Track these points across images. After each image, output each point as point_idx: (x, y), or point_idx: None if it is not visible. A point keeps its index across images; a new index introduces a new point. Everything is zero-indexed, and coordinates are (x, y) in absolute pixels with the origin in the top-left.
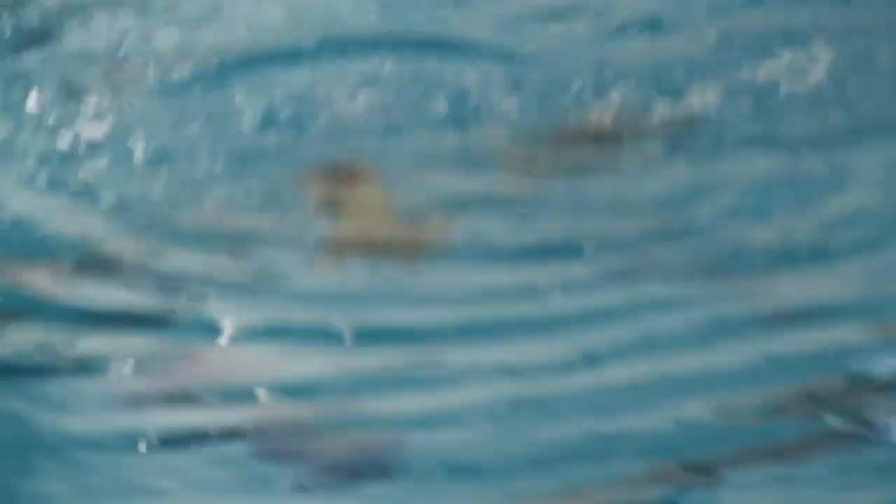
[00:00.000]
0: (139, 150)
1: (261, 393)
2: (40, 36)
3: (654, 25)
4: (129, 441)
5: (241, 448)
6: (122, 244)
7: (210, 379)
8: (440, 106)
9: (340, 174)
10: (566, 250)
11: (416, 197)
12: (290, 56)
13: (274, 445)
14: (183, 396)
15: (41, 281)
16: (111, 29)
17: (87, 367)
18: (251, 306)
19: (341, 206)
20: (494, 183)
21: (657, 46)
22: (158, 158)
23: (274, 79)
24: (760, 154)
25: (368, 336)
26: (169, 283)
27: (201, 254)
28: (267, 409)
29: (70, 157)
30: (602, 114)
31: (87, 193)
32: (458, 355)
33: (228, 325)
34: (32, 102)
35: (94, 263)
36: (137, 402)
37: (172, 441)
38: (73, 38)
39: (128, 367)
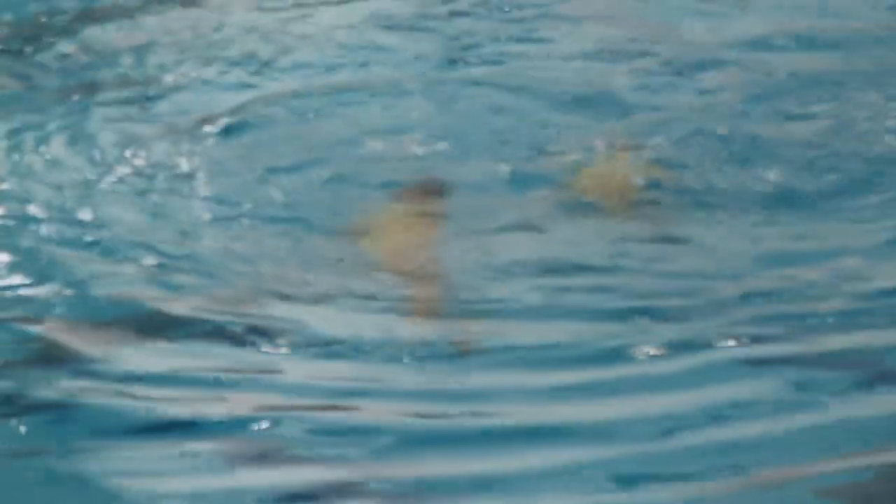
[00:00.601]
0: (190, 198)
1: None
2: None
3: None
4: None
5: None
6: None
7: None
8: (507, 152)
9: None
10: (650, 314)
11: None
12: (353, 98)
13: None
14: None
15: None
16: (169, 73)
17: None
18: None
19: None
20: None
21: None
22: (213, 208)
23: (335, 121)
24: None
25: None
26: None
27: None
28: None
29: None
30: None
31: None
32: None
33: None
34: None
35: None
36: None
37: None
38: (129, 83)
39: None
